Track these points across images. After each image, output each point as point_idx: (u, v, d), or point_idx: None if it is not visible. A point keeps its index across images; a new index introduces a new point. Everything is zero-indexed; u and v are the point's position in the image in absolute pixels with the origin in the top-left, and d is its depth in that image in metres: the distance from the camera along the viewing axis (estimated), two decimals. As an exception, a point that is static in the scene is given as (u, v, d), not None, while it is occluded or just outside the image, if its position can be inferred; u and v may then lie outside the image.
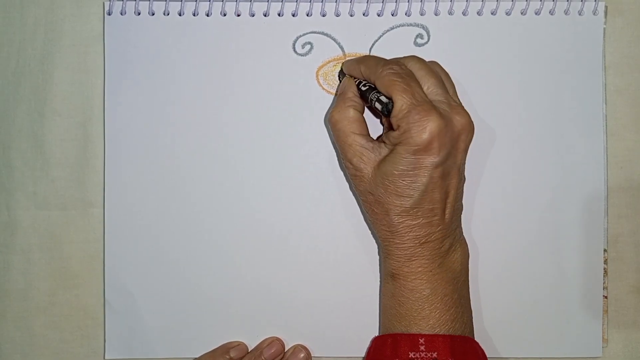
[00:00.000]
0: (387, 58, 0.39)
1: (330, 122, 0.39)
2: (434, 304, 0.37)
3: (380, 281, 0.42)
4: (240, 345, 0.42)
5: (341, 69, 0.42)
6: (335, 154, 0.42)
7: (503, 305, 0.42)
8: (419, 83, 0.37)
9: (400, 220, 0.37)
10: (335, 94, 0.42)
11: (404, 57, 0.39)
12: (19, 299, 0.43)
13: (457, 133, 0.36)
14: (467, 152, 0.38)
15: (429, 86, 0.37)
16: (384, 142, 0.37)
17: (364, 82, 0.39)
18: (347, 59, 0.42)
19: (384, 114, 0.37)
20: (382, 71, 0.37)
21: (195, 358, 0.42)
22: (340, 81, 0.41)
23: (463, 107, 0.38)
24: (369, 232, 0.42)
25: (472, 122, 0.37)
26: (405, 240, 0.37)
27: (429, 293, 0.37)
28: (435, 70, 0.39)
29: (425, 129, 0.35)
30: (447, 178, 0.37)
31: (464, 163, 0.38)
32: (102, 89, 0.43)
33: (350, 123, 0.38)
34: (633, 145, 0.43)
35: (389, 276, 0.39)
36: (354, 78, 0.40)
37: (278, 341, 0.42)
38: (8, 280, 0.43)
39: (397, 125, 0.36)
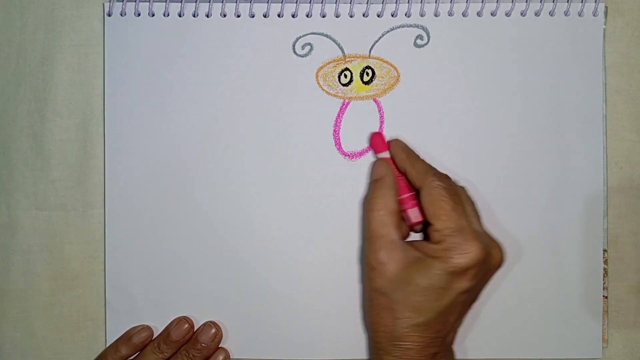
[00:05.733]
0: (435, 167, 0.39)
1: (371, 207, 0.38)
2: None
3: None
4: (143, 329, 0.42)
5: (371, 137, 0.41)
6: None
7: (503, 306, 0.42)
8: (464, 205, 0.37)
9: (407, 334, 0.36)
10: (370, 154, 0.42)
11: (443, 173, 0.39)
12: (19, 299, 0.43)
13: (492, 267, 0.37)
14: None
15: (469, 212, 0.37)
16: (413, 247, 0.37)
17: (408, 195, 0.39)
18: (394, 139, 0.41)
19: (416, 230, 0.39)
20: (431, 181, 0.37)
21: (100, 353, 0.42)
22: (373, 149, 0.41)
23: (498, 242, 0.38)
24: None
25: (504, 258, 0.38)
26: (403, 356, 0.36)
27: None
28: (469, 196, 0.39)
29: (468, 255, 0.35)
30: (466, 305, 0.37)
31: None
32: (102, 90, 0.43)
33: (391, 215, 0.37)
34: (633, 145, 0.43)
35: None
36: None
37: (185, 319, 0.42)
38: (8, 280, 0.43)
39: (439, 239, 0.36)
